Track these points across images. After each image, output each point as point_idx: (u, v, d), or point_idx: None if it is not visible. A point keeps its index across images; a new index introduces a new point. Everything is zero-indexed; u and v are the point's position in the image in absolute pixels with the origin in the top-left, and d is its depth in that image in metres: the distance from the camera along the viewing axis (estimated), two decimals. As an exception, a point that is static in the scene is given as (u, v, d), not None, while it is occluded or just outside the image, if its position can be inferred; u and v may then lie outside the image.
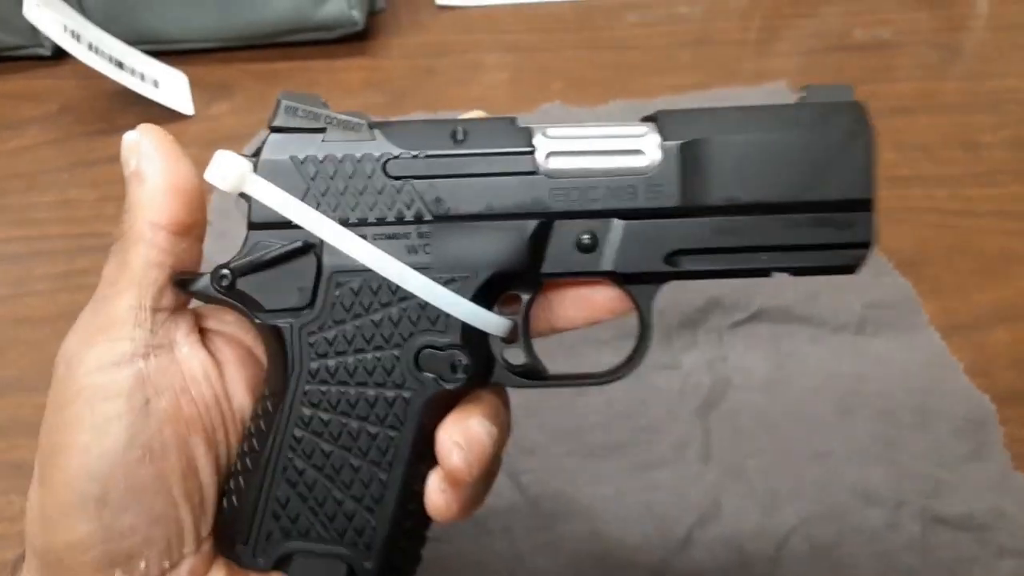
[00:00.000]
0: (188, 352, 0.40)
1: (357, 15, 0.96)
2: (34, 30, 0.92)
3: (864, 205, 0.40)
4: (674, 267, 0.41)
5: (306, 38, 0.99)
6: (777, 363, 0.67)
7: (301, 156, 0.40)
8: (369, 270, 0.39)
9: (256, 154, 0.40)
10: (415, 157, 0.40)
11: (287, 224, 0.39)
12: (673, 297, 0.71)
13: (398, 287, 0.39)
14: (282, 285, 0.40)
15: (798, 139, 0.40)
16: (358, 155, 0.40)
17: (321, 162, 0.40)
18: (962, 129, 0.87)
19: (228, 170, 0.38)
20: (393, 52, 1.01)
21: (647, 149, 0.40)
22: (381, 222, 0.40)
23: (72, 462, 0.37)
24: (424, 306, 0.40)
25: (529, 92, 0.94)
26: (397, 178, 0.40)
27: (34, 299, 0.76)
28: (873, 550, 0.57)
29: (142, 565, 0.38)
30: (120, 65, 0.89)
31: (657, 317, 0.68)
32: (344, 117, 0.40)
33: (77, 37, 0.87)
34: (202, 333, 0.42)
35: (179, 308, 0.41)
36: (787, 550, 0.57)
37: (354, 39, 1.00)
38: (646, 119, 0.41)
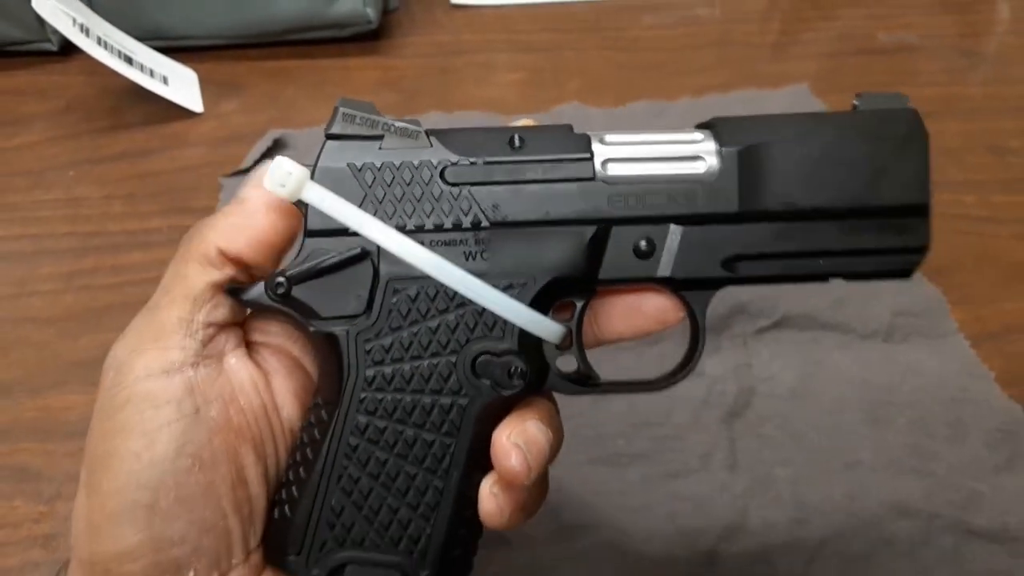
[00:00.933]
0: (236, 364, 0.40)
1: (371, 13, 0.95)
2: (41, 25, 0.91)
3: (920, 210, 0.40)
4: (732, 272, 0.41)
5: (318, 36, 0.97)
6: (804, 371, 0.65)
7: (359, 163, 0.40)
8: (426, 277, 0.38)
9: (314, 162, 0.40)
10: (473, 164, 0.40)
11: (343, 231, 0.39)
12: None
13: (455, 294, 0.39)
14: (338, 292, 0.39)
15: (855, 145, 0.40)
16: (416, 162, 0.40)
17: (379, 169, 0.40)
18: (988, 134, 0.86)
19: (286, 177, 0.37)
20: (407, 51, 0.99)
21: (705, 155, 0.40)
22: (439, 229, 0.40)
23: (122, 469, 0.37)
24: (481, 312, 0.39)
25: (544, 92, 0.92)
26: (455, 184, 0.40)
27: (38, 299, 0.74)
28: (905, 564, 0.55)
29: (191, 574, 0.38)
30: (129, 60, 0.88)
31: (680, 323, 0.68)
32: (402, 124, 0.40)
33: (86, 31, 0.85)
34: (248, 346, 0.42)
35: (229, 324, 0.41)
36: (817, 564, 0.55)
37: (367, 38, 0.99)
38: (701, 126, 0.42)
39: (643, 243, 0.40)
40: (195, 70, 0.93)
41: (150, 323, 0.39)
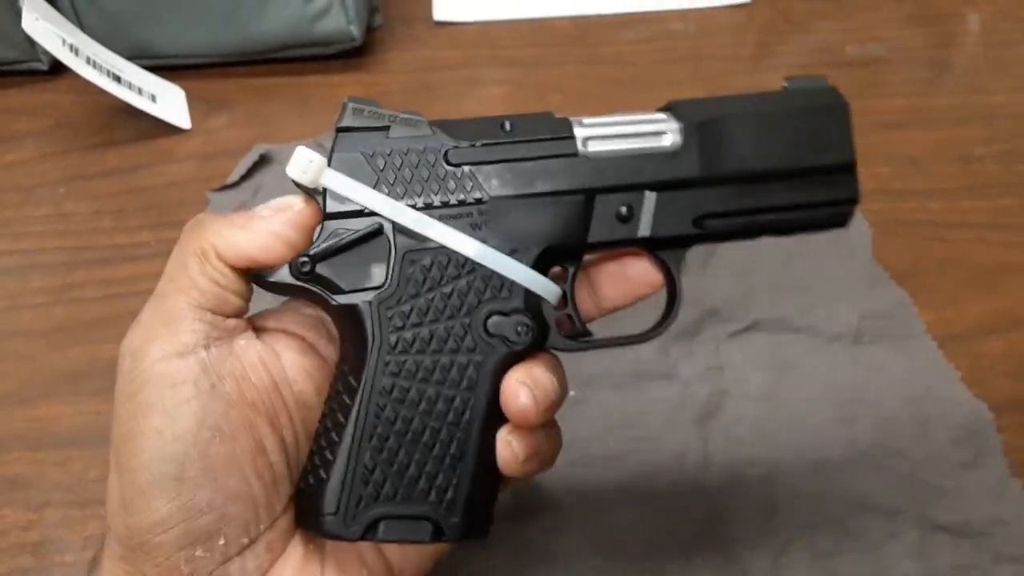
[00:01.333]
0: (245, 344, 0.44)
1: (355, 31, 0.97)
2: (31, 45, 0.92)
3: (849, 167, 0.47)
4: (702, 230, 0.47)
5: (304, 53, 0.99)
6: (774, 373, 0.67)
7: (370, 151, 0.44)
8: (438, 247, 0.43)
9: (330, 152, 0.44)
10: (472, 146, 0.45)
11: (359, 212, 0.43)
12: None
13: (465, 261, 0.43)
14: (359, 267, 0.43)
15: (792, 115, 0.47)
16: (421, 147, 0.45)
17: (389, 155, 0.44)
18: (955, 143, 0.88)
19: (307, 165, 0.42)
20: (390, 67, 1.01)
21: (669, 131, 0.46)
22: (445, 205, 0.44)
23: (147, 446, 0.40)
24: (490, 276, 0.44)
25: (526, 107, 0.92)
26: (457, 165, 0.45)
27: (29, 312, 0.75)
28: (872, 557, 0.57)
29: (221, 542, 0.41)
30: (118, 79, 0.90)
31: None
32: (406, 115, 0.45)
33: (76, 51, 0.87)
34: (258, 332, 0.45)
35: (234, 311, 0.44)
36: (787, 558, 0.57)
37: (351, 55, 1.00)
38: (661, 109, 0.48)
39: (623, 209, 0.46)
40: (183, 87, 0.95)
41: (159, 311, 0.42)
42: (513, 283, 0.44)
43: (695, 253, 0.75)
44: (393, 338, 0.43)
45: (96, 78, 0.88)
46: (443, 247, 0.43)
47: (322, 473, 0.42)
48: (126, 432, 0.40)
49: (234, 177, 0.85)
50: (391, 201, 0.43)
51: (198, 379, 0.41)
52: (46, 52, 0.92)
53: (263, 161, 0.87)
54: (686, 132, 0.46)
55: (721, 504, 0.60)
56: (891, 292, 0.72)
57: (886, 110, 0.92)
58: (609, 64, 1.01)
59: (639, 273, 0.48)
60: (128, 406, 0.41)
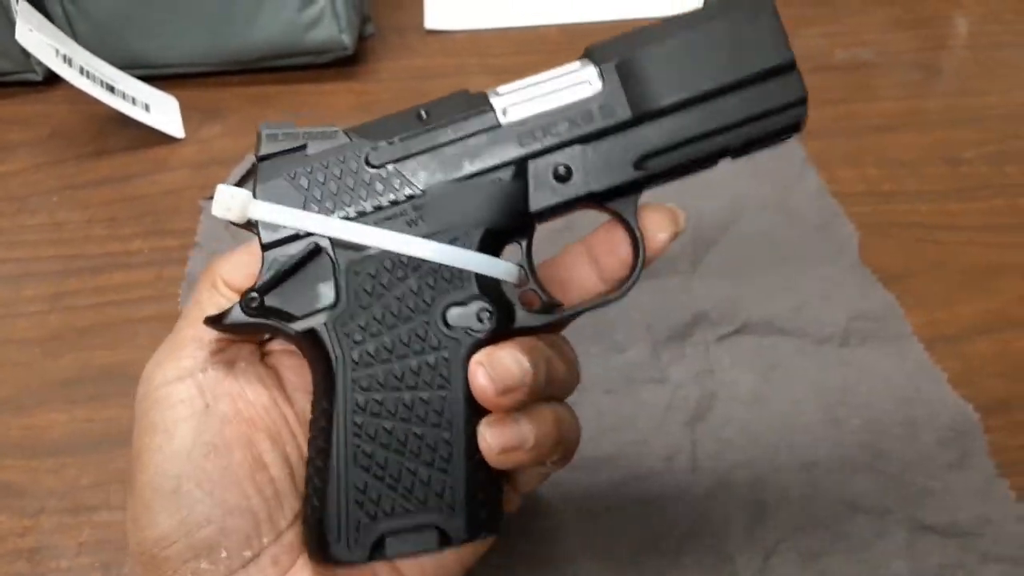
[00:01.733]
0: (245, 366, 0.45)
1: (347, 39, 0.98)
2: (25, 56, 0.93)
3: (788, 67, 0.45)
4: (645, 171, 0.45)
5: (296, 62, 1.00)
6: (763, 375, 0.67)
7: (291, 173, 0.43)
8: (379, 253, 0.42)
9: (248, 183, 0.44)
10: (391, 143, 0.44)
11: (296, 236, 0.43)
12: (661, 312, 0.71)
13: (409, 259, 0.42)
14: (307, 290, 0.43)
15: (715, 30, 0.44)
16: (341, 157, 0.44)
17: (310, 172, 0.43)
18: (944, 145, 0.88)
19: (231, 202, 0.42)
20: (382, 75, 1.02)
21: (589, 79, 0.45)
22: (378, 209, 0.43)
23: (150, 463, 0.42)
24: (437, 269, 0.43)
25: None
26: (380, 166, 0.43)
27: (23, 320, 0.76)
28: (860, 558, 0.57)
29: (223, 554, 0.42)
30: (111, 89, 0.90)
31: (645, 331, 0.70)
32: (318, 129, 0.44)
33: (69, 62, 0.88)
34: (266, 353, 0.47)
35: (240, 339, 0.46)
36: (777, 559, 0.57)
37: (344, 63, 1.01)
38: (578, 59, 0.46)
39: (560, 168, 0.44)
40: (176, 97, 0.96)
41: (170, 342, 0.45)
42: (462, 271, 0.42)
43: (684, 257, 0.76)
44: (355, 353, 0.42)
45: (90, 88, 0.88)
46: (384, 251, 0.42)
47: (316, 501, 0.42)
48: (135, 451, 0.43)
49: (227, 185, 0.86)
50: (321, 217, 0.42)
51: (193, 399, 0.43)
52: (40, 63, 0.93)
53: (256, 169, 0.87)
54: (606, 75, 0.44)
55: (710, 505, 0.60)
56: (879, 294, 0.73)
57: (876, 113, 0.92)
58: (600, 70, 1.01)
59: (601, 238, 0.47)
60: (136, 428, 0.43)
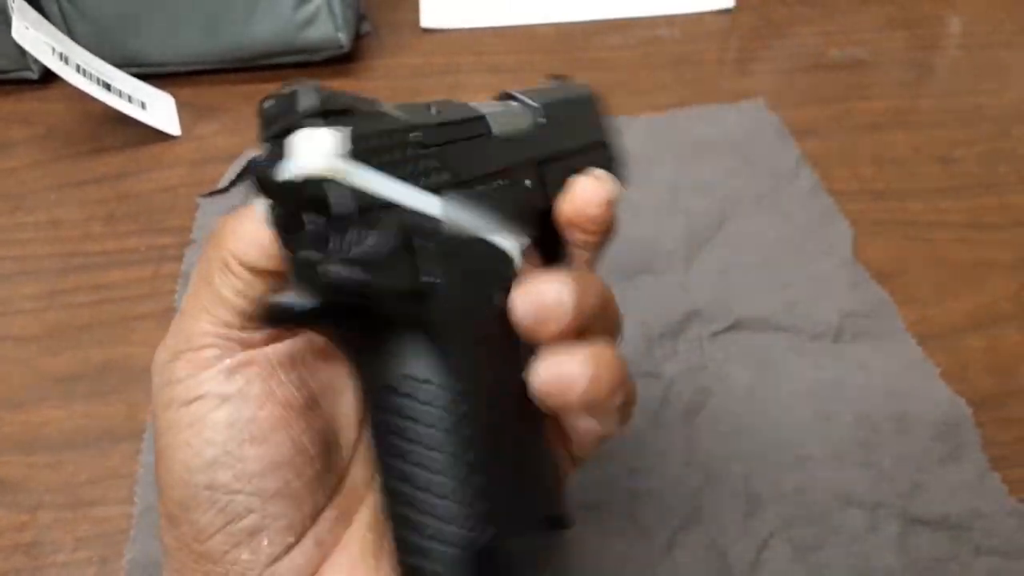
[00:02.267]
0: (269, 350, 0.42)
1: (343, 37, 0.98)
2: (22, 54, 0.93)
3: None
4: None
5: (292, 60, 1.00)
6: (756, 371, 0.68)
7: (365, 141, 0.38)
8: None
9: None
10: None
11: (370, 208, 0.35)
12: (655, 308, 0.72)
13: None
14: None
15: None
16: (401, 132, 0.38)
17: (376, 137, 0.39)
18: (936, 144, 0.89)
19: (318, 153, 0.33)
20: (378, 73, 1.02)
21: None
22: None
23: (177, 460, 0.39)
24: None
25: None
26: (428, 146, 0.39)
27: (21, 318, 0.76)
28: (852, 551, 0.57)
29: (265, 543, 0.40)
30: (108, 87, 0.90)
31: (640, 328, 0.70)
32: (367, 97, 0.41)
33: (66, 60, 0.88)
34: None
35: (258, 328, 0.42)
36: (769, 552, 0.58)
37: (339, 61, 1.01)
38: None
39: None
40: (173, 95, 0.96)
41: (184, 327, 0.41)
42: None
43: (678, 254, 0.76)
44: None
45: (86, 86, 0.89)
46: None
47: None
48: (159, 449, 0.41)
49: (224, 183, 0.86)
50: (428, 195, 0.37)
51: (223, 386, 0.40)
52: (36, 61, 0.93)
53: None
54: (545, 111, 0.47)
55: (704, 500, 0.60)
56: (871, 290, 0.73)
57: (869, 112, 0.93)
58: (594, 69, 1.02)
59: (575, 194, 0.45)
60: (157, 424, 0.41)
